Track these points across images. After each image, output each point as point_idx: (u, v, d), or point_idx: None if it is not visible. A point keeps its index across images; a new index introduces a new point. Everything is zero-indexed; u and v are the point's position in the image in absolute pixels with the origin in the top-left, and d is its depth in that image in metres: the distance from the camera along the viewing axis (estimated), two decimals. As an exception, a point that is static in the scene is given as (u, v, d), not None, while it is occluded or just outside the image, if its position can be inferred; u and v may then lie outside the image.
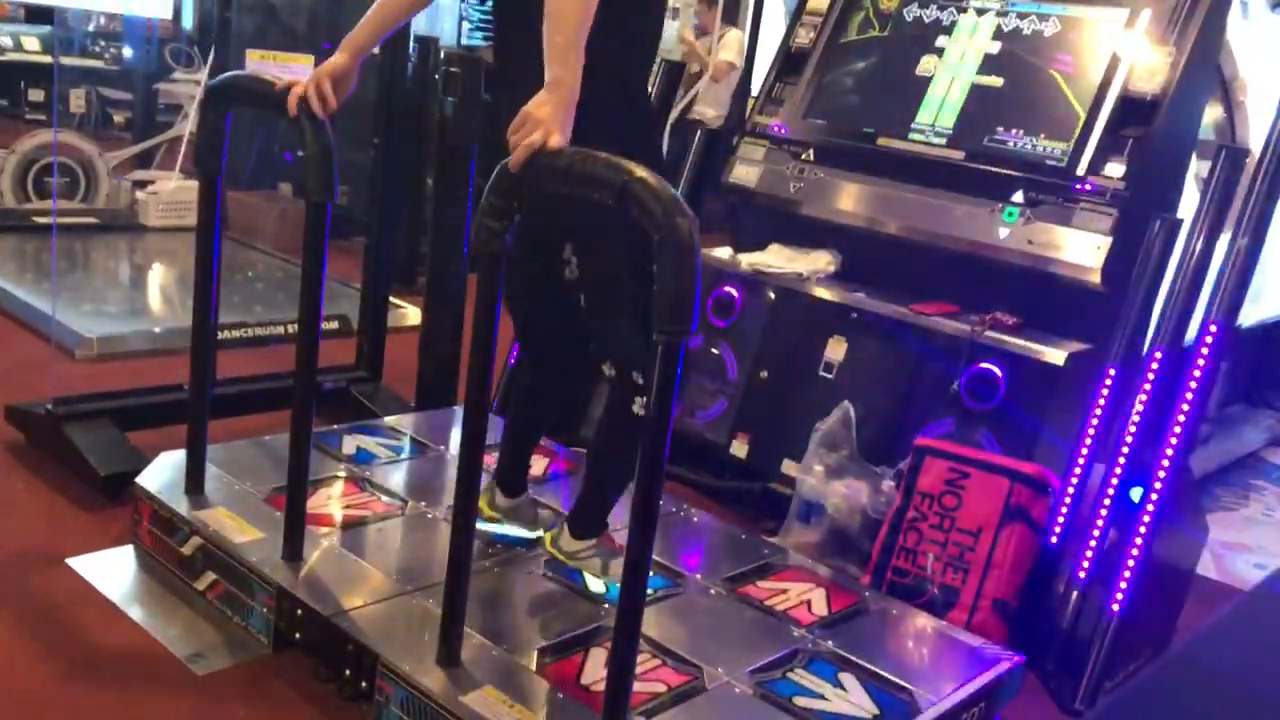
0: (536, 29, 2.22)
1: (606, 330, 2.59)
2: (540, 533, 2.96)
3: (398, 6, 2.65)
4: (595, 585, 2.78)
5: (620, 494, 2.79)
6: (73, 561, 2.98)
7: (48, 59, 9.96)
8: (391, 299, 4.48)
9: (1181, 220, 3.16)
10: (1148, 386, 3.01)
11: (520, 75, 2.33)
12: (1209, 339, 2.98)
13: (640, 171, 2.02)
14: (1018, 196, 3.41)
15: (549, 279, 2.67)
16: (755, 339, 3.84)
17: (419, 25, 5.46)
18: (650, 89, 4.58)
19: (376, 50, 4.26)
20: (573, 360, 2.82)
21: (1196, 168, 3.55)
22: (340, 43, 2.67)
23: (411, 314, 5.19)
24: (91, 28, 10.16)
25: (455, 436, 3.52)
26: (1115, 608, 2.87)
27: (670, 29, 8.42)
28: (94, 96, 8.77)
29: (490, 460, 3.38)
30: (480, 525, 2.78)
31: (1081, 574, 2.97)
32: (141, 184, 7.10)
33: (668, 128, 4.44)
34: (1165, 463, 2.92)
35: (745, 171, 4.00)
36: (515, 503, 2.98)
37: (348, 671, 2.50)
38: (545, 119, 2.13)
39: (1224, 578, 3.80)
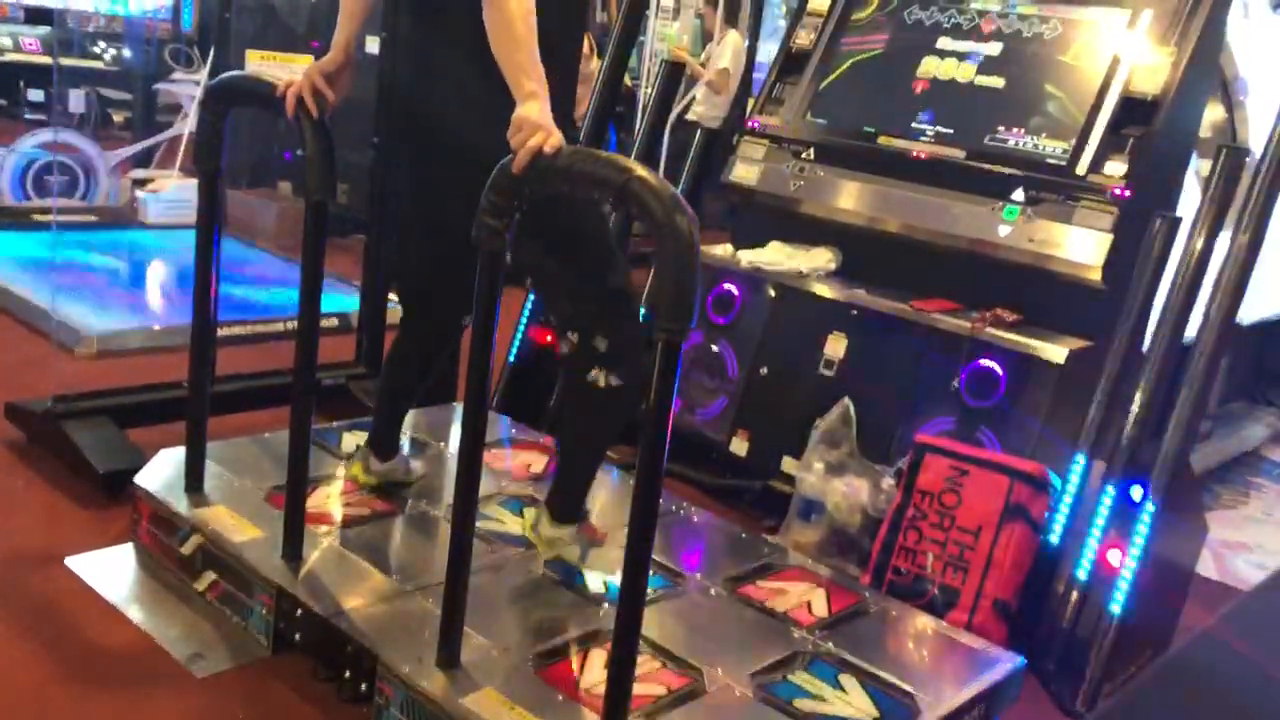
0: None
1: (563, 303, 2.72)
2: (413, 474, 3.20)
3: None
4: (595, 586, 2.78)
5: (594, 472, 2.86)
6: (72, 561, 2.97)
7: (47, 59, 9.95)
8: (391, 297, 4.47)
9: (1181, 218, 3.16)
10: (1148, 384, 3.00)
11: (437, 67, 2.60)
12: (1209, 337, 2.98)
13: (640, 170, 2.02)
14: (1018, 194, 3.40)
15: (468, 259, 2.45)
16: (755, 336, 3.84)
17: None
18: (649, 89, 4.57)
19: (376, 50, 4.30)
20: (451, 330, 2.99)
21: (1197, 166, 3.55)
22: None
23: (411, 313, 5.18)
24: (91, 29, 10.17)
25: (455, 435, 3.52)
26: (1115, 608, 2.86)
27: (669, 30, 8.44)
28: (94, 96, 8.76)
29: (490, 458, 3.40)
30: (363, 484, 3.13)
31: (1081, 574, 2.97)
32: (141, 183, 7.10)
33: (667, 128, 4.42)
34: (1165, 461, 2.92)
35: (745, 170, 3.99)
36: (390, 465, 3.14)
37: (347, 673, 2.50)
38: (543, 122, 2.22)
39: (1224, 577, 3.79)
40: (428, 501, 3.15)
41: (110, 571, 2.96)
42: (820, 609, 2.85)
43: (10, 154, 6.74)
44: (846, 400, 3.48)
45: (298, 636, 2.61)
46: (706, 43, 7.60)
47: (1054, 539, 3.06)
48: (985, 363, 3.34)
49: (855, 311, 3.63)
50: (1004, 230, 3.40)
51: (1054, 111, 3.47)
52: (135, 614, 2.79)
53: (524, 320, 4.14)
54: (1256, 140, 3.62)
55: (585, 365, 2.65)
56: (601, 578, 2.81)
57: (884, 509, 3.23)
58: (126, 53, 9.39)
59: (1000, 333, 3.35)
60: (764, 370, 3.81)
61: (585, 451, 2.83)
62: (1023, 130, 3.50)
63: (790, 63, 4.09)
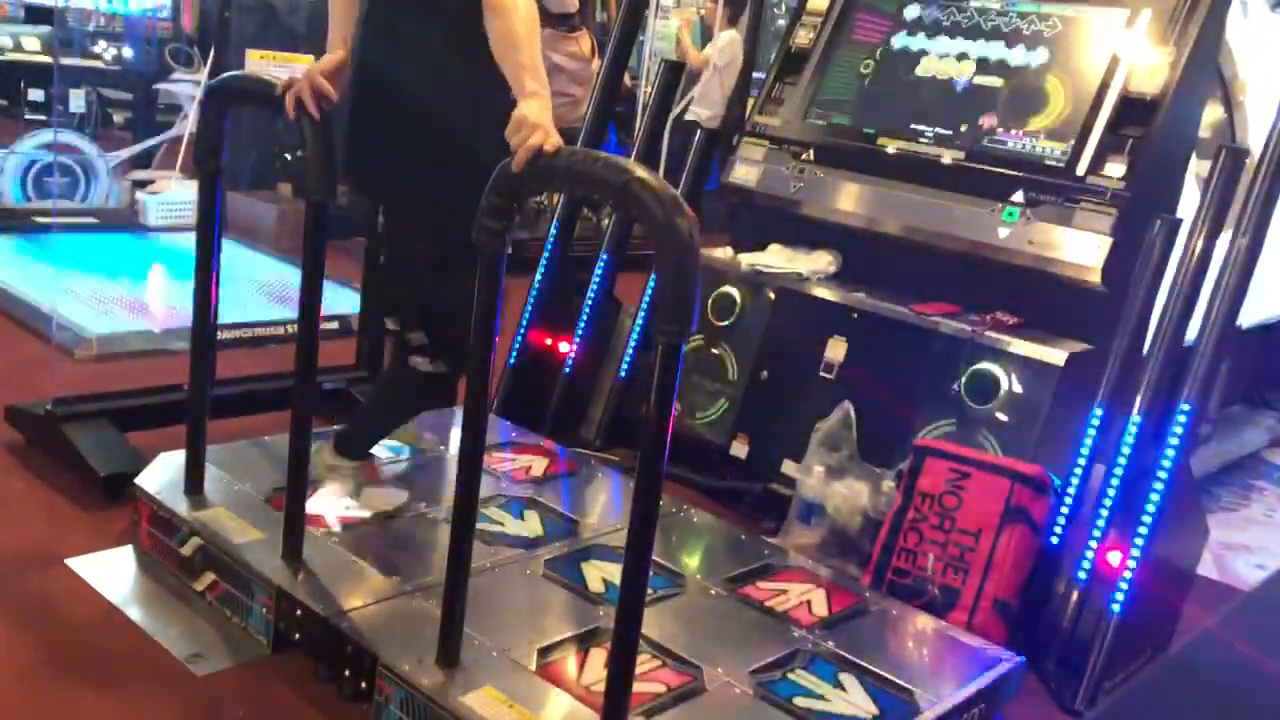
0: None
1: (393, 294, 2.99)
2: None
3: None
4: (595, 585, 2.79)
5: (385, 432, 3.20)
6: (72, 562, 2.98)
7: (48, 59, 9.95)
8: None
9: (1181, 220, 3.15)
10: (1148, 386, 3.00)
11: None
12: (1209, 339, 2.98)
13: (640, 171, 2.03)
14: (1018, 196, 3.40)
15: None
16: (755, 339, 3.84)
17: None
18: (649, 89, 4.58)
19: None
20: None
21: (1197, 167, 3.55)
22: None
23: (411, 314, 5.18)
24: (92, 27, 10.16)
25: (455, 436, 3.51)
26: (1115, 608, 2.87)
27: (671, 26, 8.46)
28: (94, 96, 8.76)
29: (490, 461, 3.40)
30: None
31: (1081, 574, 2.97)
32: (141, 184, 7.10)
33: (667, 128, 4.43)
34: (1165, 463, 2.92)
35: (745, 171, 4.00)
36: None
37: (347, 672, 2.50)
38: (542, 122, 2.22)
39: (1224, 578, 3.80)
40: (428, 503, 3.16)
41: (110, 572, 2.96)
42: (820, 609, 2.85)
43: (10, 155, 6.75)
44: (847, 403, 3.48)
45: (297, 636, 2.62)
46: (707, 41, 7.62)
47: (1054, 540, 3.06)
48: (985, 366, 3.34)
49: (855, 314, 3.63)
50: (1004, 232, 3.40)
51: (1053, 112, 3.47)
52: (135, 614, 2.80)
53: (524, 323, 4.15)
54: (1256, 140, 3.62)
55: (410, 350, 2.89)
56: (373, 508, 3.01)
57: (884, 511, 3.23)
58: (127, 52, 9.38)
59: (1000, 336, 3.35)
60: (764, 373, 3.81)
61: (390, 414, 3.12)
62: (1021, 131, 3.50)
63: (790, 63, 4.10)
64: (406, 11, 2.68)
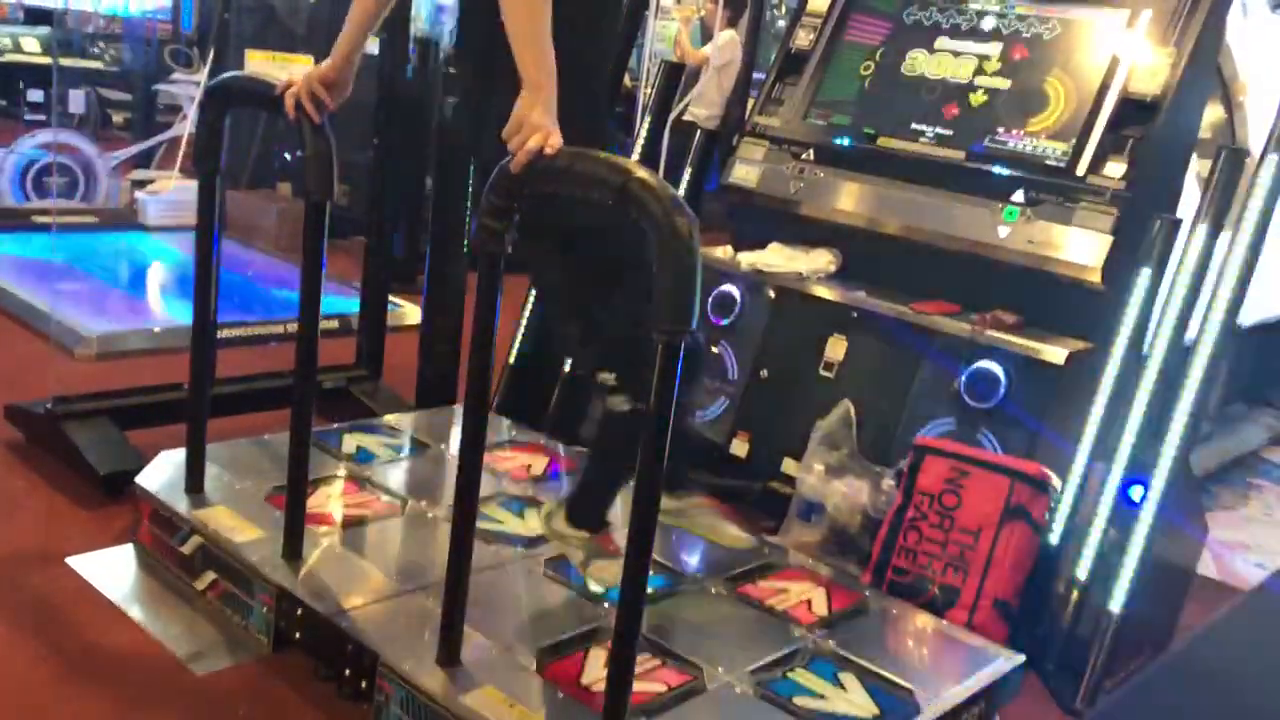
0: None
1: (564, 334, 2.70)
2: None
3: (368, 5, 2.67)
4: (595, 585, 2.78)
5: (614, 489, 2.78)
6: (72, 560, 2.98)
7: (47, 60, 9.96)
8: (391, 298, 4.48)
9: (1181, 220, 3.16)
10: (1148, 385, 3.01)
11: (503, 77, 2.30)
12: (1209, 338, 2.98)
13: (640, 171, 2.02)
14: (1018, 196, 3.41)
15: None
16: (755, 338, 3.84)
17: (419, 25, 5.46)
18: (649, 89, 4.58)
19: (376, 50, 4.29)
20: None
21: (1197, 167, 3.55)
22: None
23: (411, 314, 5.19)
24: (91, 30, 10.17)
25: (455, 436, 3.52)
26: (1115, 607, 2.87)
27: (671, 27, 8.48)
28: (94, 97, 8.77)
29: (490, 459, 3.40)
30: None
31: (1081, 574, 2.97)
32: (141, 184, 7.11)
33: (666, 128, 4.43)
34: (1165, 462, 2.92)
35: (745, 171, 4.00)
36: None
37: (347, 671, 2.50)
38: (542, 122, 2.15)
39: (1224, 577, 3.80)
40: (428, 502, 3.16)
41: (111, 571, 2.96)
42: (820, 607, 2.85)
43: (10, 155, 6.75)
44: (847, 402, 3.48)
45: (298, 635, 2.62)
46: (707, 42, 7.63)
47: (1054, 539, 3.06)
48: (985, 364, 3.34)
49: (855, 314, 3.63)
50: (1004, 232, 3.40)
51: (1053, 112, 3.47)
52: (136, 613, 2.80)
53: (524, 321, 4.14)
54: (1256, 141, 3.62)
55: (610, 390, 2.60)
56: (599, 583, 2.78)
57: (884, 510, 3.23)
58: (127, 53, 9.40)
59: (1000, 334, 3.35)
60: (764, 372, 3.81)
61: (603, 466, 2.79)
62: (1022, 131, 3.50)
63: (790, 63, 4.10)
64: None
